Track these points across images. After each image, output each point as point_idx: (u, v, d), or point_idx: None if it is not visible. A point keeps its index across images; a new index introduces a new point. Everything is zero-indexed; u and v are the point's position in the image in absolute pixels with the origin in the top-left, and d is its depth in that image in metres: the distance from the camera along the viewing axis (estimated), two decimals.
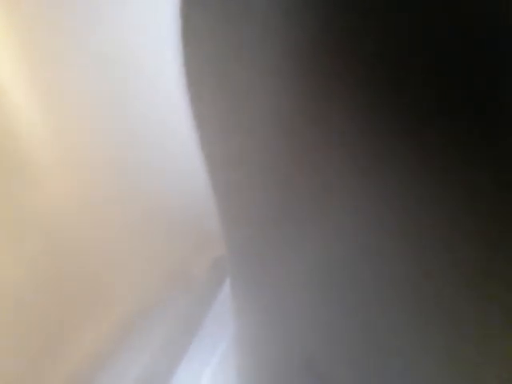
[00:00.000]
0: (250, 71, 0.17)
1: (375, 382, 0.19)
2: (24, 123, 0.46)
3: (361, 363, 0.19)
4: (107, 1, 0.49)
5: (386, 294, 0.17)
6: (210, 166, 0.22)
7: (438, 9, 0.14)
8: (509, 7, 0.13)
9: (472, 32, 0.13)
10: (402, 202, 0.15)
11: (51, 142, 0.49)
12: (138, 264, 0.59)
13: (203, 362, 0.58)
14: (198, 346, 0.60)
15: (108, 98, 0.52)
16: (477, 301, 0.16)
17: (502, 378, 0.16)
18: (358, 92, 0.15)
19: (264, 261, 0.21)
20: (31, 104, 0.47)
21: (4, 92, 0.45)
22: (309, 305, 0.20)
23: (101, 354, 0.56)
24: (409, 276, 0.16)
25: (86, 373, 0.54)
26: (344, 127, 0.16)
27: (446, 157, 0.14)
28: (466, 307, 0.16)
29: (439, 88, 0.14)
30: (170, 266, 0.63)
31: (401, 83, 0.14)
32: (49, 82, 0.48)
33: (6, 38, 0.44)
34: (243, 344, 0.27)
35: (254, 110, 0.17)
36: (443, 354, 0.17)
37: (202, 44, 0.19)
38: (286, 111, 0.16)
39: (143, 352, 0.58)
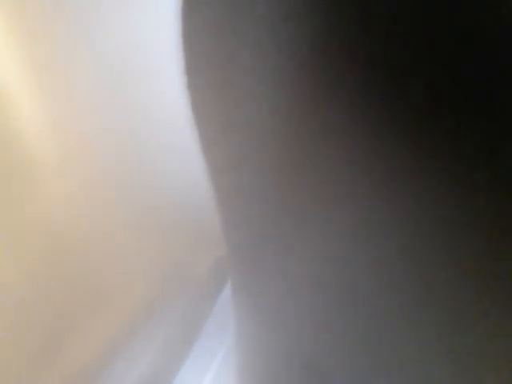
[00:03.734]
0: (249, 73, 0.17)
1: (375, 381, 0.19)
2: (26, 124, 0.47)
3: (360, 363, 0.19)
4: (110, 2, 0.49)
5: (385, 294, 0.17)
6: (210, 167, 0.22)
7: (437, 10, 0.14)
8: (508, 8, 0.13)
9: (472, 32, 0.13)
10: (402, 202, 0.15)
11: (53, 143, 0.49)
12: (140, 264, 0.59)
13: (205, 363, 0.58)
14: (200, 346, 0.60)
15: (109, 99, 0.52)
16: (477, 300, 0.16)
17: (502, 378, 0.16)
18: (357, 93, 0.15)
19: (264, 262, 0.21)
20: (33, 106, 0.47)
21: (7, 94, 0.45)
22: (309, 306, 0.20)
23: (101, 355, 0.56)
24: (408, 276, 0.16)
25: (86, 374, 0.54)
26: (344, 127, 0.16)
27: (446, 156, 0.14)
28: (466, 307, 0.16)
29: (439, 88, 0.14)
30: (172, 267, 0.63)
31: (401, 84, 0.14)
32: (51, 84, 0.48)
33: (9, 40, 0.44)
34: (244, 345, 0.27)
35: (253, 112, 0.17)
36: (443, 354, 0.17)
37: (202, 45, 0.19)
38: (285, 112, 0.16)
39: (144, 353, 0.58)
